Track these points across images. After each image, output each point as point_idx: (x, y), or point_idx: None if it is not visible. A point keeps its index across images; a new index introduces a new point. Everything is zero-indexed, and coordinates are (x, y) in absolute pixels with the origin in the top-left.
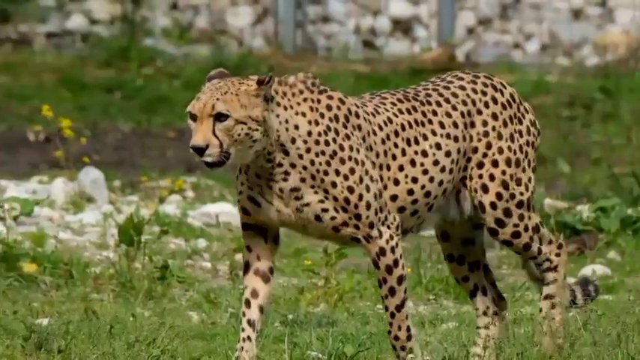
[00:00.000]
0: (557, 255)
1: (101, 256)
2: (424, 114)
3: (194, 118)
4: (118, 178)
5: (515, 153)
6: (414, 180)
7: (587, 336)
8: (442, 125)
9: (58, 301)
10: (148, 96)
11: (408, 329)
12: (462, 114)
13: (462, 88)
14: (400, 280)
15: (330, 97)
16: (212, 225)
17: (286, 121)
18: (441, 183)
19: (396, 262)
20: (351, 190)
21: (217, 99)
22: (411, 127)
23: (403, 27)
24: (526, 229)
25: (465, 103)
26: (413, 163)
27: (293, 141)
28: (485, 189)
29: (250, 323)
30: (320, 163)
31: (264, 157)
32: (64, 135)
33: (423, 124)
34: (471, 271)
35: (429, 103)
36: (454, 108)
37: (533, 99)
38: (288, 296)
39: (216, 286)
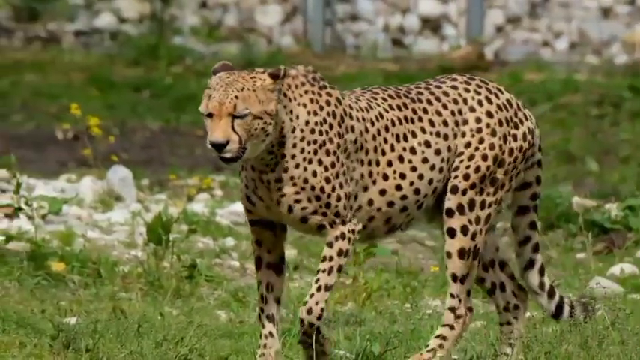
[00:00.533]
0: (466, 312)
1: (129, 254)
2: (414, 111)
3: (209, 115)
4: (147, 176)
5: (503, 153)
6: (402, 176)
7: (615, 335)
8: (432, 123)
9: (86, 300)
10: (177, 94)
11: (322, 310)
12: (453, 112)
13: (454, 87)
14: (340, 267)
15: (330, 95)
16: (240, 223)
17: (290, 112)
18: (430, 181)
19: (347, 252)
20: (327, 180)
21: (236, 96)
22: (400, 123)
23: (432, 25)
24: (473, 236)
25: (455, 101)
26: (401, 159)
27: (293, 130)
28: (466, 177)
29: (270, 318)
30: (308, 152)
31: (268, 150)
32: (92, 133)
33: (412, 122)
34: (486, 270)
35: (420, 101)
36: (445, 106)
37: (562, 97)
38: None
39: (244, 284)
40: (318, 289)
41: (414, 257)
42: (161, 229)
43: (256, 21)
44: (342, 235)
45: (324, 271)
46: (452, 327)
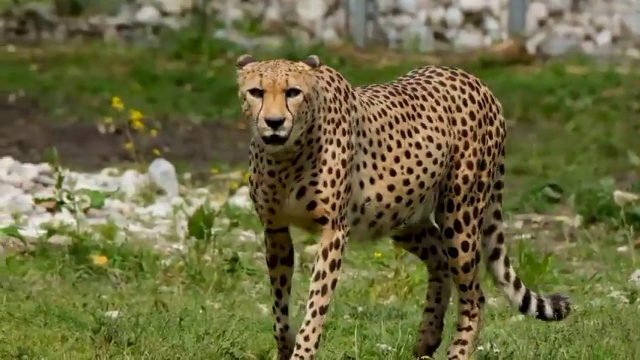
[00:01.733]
0: (479, 306)
1: (171, 248)
2: (414, 107)
3: (260, 93)
4: (189, 170)
5: (483, 155)
6: (410, 171)
7: None
8: (430, 119)
9: (128, 294)
10: (219, 88)
11: (319, 337)
12: (445, 109)
13: (442, 84)
14: (334, 283)
15: (330, 71)
16: None
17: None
18: (433, 175)
19: (339, 263)
20: (343, 163)
21: (287, 74)
22: (404, 120)
23: (474, 19)
24: (473, 246)
25: (445, 98)
26: (408, 154)
27: (318, 111)
28: (457, 190)
29: (284, 311)
30: (329, 131)
31: (297, 139)
32: (134, 127)
33: (413, 118)
34: (418, 241)
35: (417, 97)
36: (437, 102)
37: (604, 91)
38: (358, 289)
39: None
40: (314, 314)
41: None
42: (203, 222)
43: (298, 14)
44: (337, 243)
45: (317, 292)
46: (469, 328)
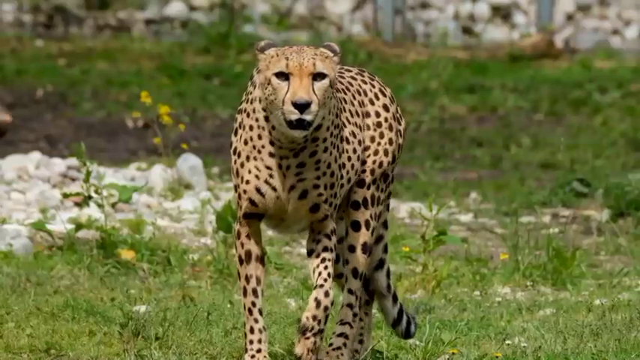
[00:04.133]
0: (361, 305)
1: (199, 243)
2: (340, 101)
3: (286, 76)
4: (217, 164)
5: (394, 149)
6: (343, 166)
7: None
8: (351, 114)
9: (156, 288)
10: (247, 82)
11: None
12: (359, 103)
13: (354, 78)
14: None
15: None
16: None
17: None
18: (356, 172)
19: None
20: (341, 167)
21: (313, 58)
22: (339, 113)
23: (502, 13)
24: (373, 231)
25: (359, 92)
26: (342, 149)
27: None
28: (372, 172)
29: (261, 312)
30: (334, 135)
31: None
32: (162, 122)
33: (343, 111)
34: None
35: (339, 90)
36: (354, 97)
37: (632, 85)
38: None
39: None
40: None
41: (484, 245)
42: (231, 217)
43: (326, 9)
44: (334, 231)
45: (329, 260)
46: (351, 325)
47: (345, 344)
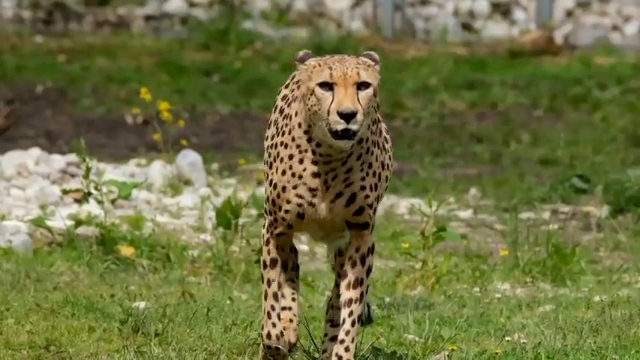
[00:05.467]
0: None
1: (198, 239)
2: None
3: (330, 86)
4: (216, 160)
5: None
6: (384, 166)
7: None
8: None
9: (155, 285)
10: (246, 79)
11: (356, 346)
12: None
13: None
14: (367, 289)
15: None
16: None
17: None
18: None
19: (372, 268)
20: (382, 166)
21: (357, 67)
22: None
23: (502, 9)
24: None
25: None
26: None
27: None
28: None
29: (280, 318)
30: (373, 132)
31: None
32: (162, 118)
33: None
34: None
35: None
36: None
37: (632, 81)
38: (385, 279)
39: (313, 268)
40: (353, 323)
41: (483, 241)
42: (230, 213)
43: (326, 5)
44: (373, 248)
45: (356, 301)
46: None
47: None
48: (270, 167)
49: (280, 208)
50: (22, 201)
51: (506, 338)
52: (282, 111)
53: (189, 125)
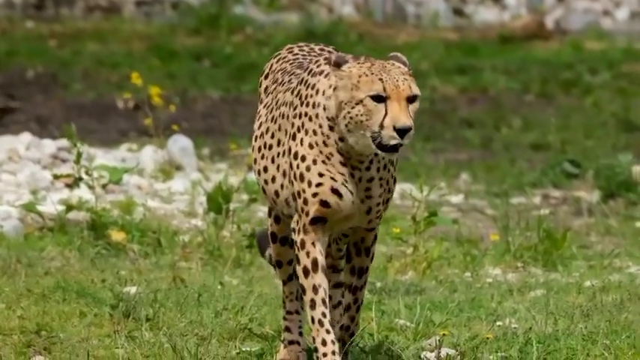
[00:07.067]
0: None
1: (189, 224)
2: None
3: (382, 99)
4: (207, 145)
5: None
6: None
7: None
8: None
9: (146, 270)
10: (237, 63)
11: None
12: None
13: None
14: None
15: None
16: None
17: None
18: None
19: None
20: (395, 180)
21: (405, 79)
22: None
23: None
24: None
25: None
26: None
27: None
28: None
29: (332, 324)
30: None
31: None
32: (153, 103)
33: None
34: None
35: None
36: None
37: (623, 66)
38: (377, 264)
39: None
40: (358, 309)
41: (474, 226)
42: (221, 198)
43: None
44: (376, 238)
45: (361, 288)
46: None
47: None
48: (294, 138)
49: (310, 183)
50: (13, 186)
51: (498, 323)
52: (306, 82)
53: (180, 110)
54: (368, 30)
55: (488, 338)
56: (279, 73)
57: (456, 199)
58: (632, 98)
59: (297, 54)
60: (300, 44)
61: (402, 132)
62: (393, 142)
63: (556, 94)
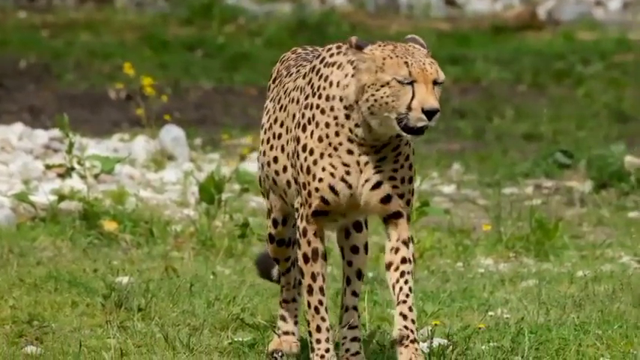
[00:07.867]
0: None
1: (182, 214)
2: None
3: (409, 81)
4: (199, 136)
5: None
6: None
7: None
8: None
9: (139, 260)
10: (230, 54)
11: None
12: None
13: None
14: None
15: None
16: None
17: None
18: None
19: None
20: (411, 167)
21: (432, 63)
22: None
23: None
24: None
25: None
26: None
27: None
28: None
29: (327, 311)
30: None
31: None
32: (145, 93)
33: None
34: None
35: None
36: None
37: (615, 56)
38: (369, 254)
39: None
40: (410, 289)
41: (466, 216)
42: (213, 188)
43: None
44: (412, 238)
45: (409, 272)
46: (359, 327)
47: (361, 347)
48: (304, 130)
49: (314, 177)
50: (5, 176)
51: (490, 313)
52: (318, 71)
53: (173, 100)
54: (360, 20)
55: (480, 328)
56: (285, 70)
57: (448, 189)
58: (624, 88)
59: (299, 53)
60: (305, 47)
61: (430, 114)
62: (420, 123)
63: (548, 85)
